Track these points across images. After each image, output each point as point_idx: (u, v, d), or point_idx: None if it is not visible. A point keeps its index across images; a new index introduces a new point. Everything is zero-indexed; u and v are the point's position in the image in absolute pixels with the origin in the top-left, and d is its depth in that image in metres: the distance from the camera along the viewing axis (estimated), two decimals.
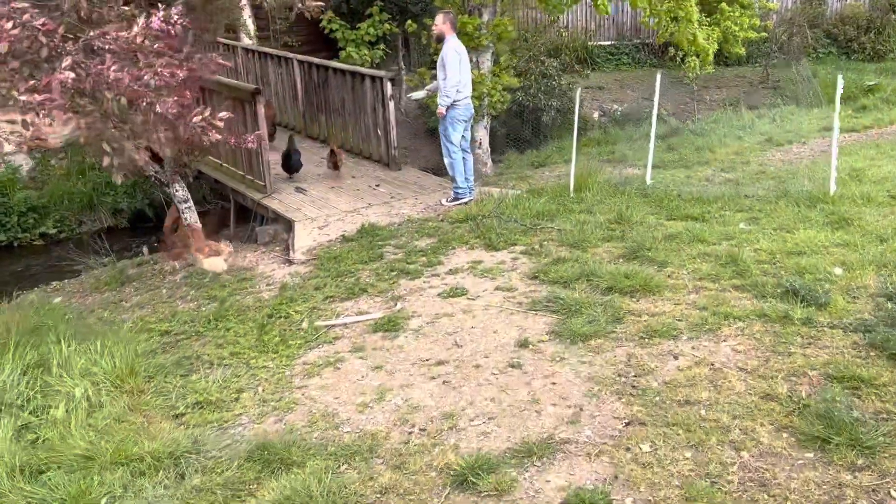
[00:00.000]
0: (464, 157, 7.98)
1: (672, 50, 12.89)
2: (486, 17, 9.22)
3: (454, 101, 7.52)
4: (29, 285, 9.57)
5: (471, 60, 9.10)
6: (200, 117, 4.74)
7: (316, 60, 10.67)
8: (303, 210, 7.96)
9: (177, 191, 6.68)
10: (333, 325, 4.96)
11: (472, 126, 8.91)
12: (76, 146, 12.89)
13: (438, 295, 5.33)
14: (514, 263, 5.90)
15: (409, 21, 11.65)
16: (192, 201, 6.80)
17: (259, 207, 8.39)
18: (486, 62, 9.43)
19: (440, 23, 7.57)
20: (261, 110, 8.32)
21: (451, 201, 8.01)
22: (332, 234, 7.16)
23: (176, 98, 4.43)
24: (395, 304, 5.18)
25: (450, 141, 7.74)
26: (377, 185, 8.85)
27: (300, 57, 11.00)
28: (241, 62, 12.64)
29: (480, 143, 9.53)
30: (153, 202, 12.60)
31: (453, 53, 7.37)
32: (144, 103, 4.33)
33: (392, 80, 9.21)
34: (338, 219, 7.64)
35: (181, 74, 4.34)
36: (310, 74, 10.75)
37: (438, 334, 4.64)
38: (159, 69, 4.21)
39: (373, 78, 9.40)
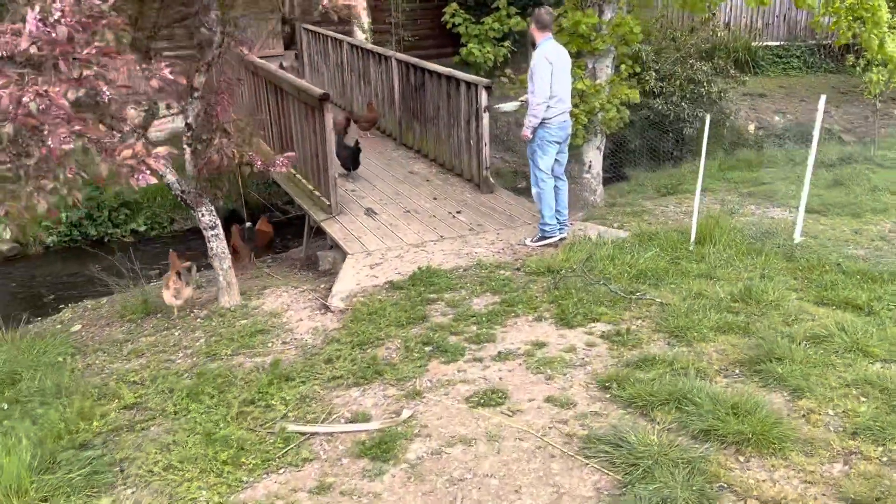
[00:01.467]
0: (556, 187, 6.48)
1: (851, 57, 10.50)
2: (607, 15, 7.58)
3: (544, 120, 6.08)
4: (90, 290, 9.15)
5: (584, 67, 7.53)
6: (131, 152, 3.60)
7: (413, 60, 9.45)
8: (363, 240, 6.77)
9: (203, 215, 5.69)
10: (314, 434, 3.69)
11: (579, 146, 7.38)
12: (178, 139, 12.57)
13: (467, 399, 3.91)
14: (587, 354, 4.36)
15: None
16: (220, 229, 5.79)
17: (322, 230, 7.30)
18: (604, 70, 7.78)
19: (531, 24, 6.11)
20: (328, 119, 7.22)
21: (535, 240, 6.52)
22: (381, 277, 5.92)
23: (77, 128, 3.30)
24: (402, 413, 3.82)
25: (538, 167, 6.28)
26: (458, 212, 7.50)
27: (399, 56, 9.83)
28: (346, 59, 11.69)
29: (590, 167, 7.92)
30: (249, 202, 12.04)
31: (543, 62, 5.93)
32: (40, 133, 3.24)
33: (488, 87, 7.81)
34: (397, 255, 6.38)
35: (70, 96, 3.20)
36: (407, 76, 9.56)
37: (438, 480, 3.23)
38: (43, 88, 3.11)
39: (468, 84, 8.05)
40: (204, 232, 5.78)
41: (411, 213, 7.47)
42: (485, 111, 7.84)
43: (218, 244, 5.78)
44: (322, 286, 6.19)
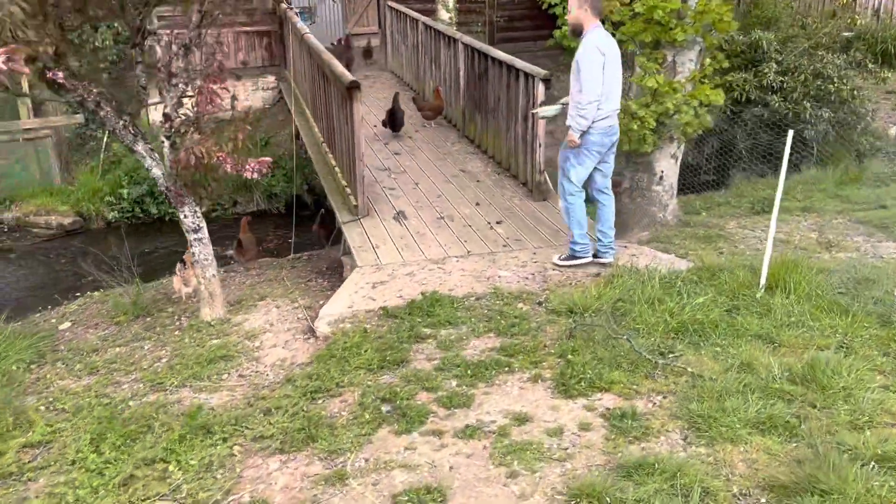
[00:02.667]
0: (600, 203, 5.51)
1: None
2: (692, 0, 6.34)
3: (592, 123, 5.09)
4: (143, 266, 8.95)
5: (661, 61, 6.36)
6: None
7: (477, 44, 8.52)
8: (380, 250, 6.01)
9: (185, 216, 5.09)
10: None
11: (647, 154, 6.28)
12: (254, 116, 12.23)
13: (394, 498, 3.06)
14: (575, 442, 3.40)
15: None
16: (205, 232, 5.18)
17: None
18: (686, 65, 6.55)
19: (575, 6, 5.03)
20: (357, 109, 6.49)
21: (564, 259, 5.59)
22: (379, 300, 5.13)
23: None
24: None
25: (568, 177, 5.34)
26: (498, 222, 6.57)
27: (465, 39, 8.91)
28: (421, 40, 10.88)
29: (661, 178, 6.74)
30: (313, 188, 11.57)
31: (594, 53, 4.95)
32: None
33: (547, 80, 6.78)
34: (409, 272, 5.56)
35: None
36: (472, 62, 8.65)
37: None
38: None
39: (526, 75, 7.07)
40: (186, 235, 5.19)
41: (445, 221, 6.62)
42: (541, 106, 6.83)
43: (201, 249, 5.18)
44: (322, 302, 5.48)
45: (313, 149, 8.73)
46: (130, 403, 4.07)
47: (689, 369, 3.91)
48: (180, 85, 4.76)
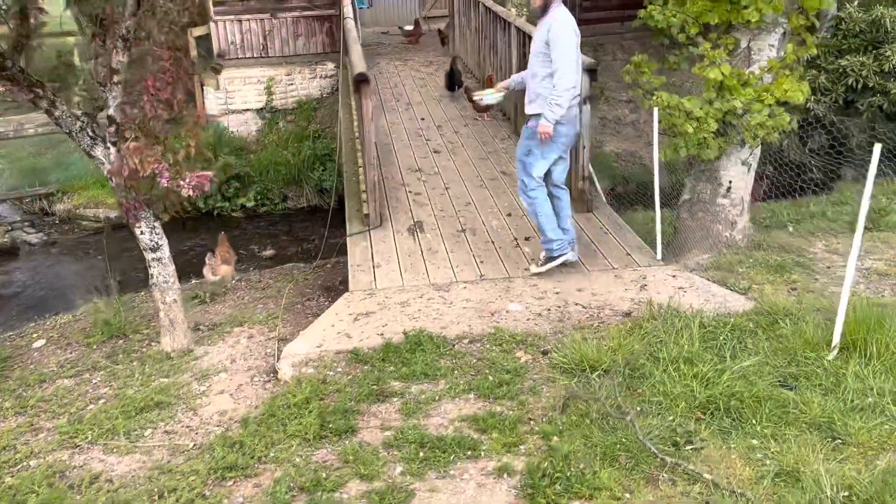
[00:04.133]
0: (557, 198, 5.05)
1: None
2: None
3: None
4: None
5: (734, 47, 5.21)
6: None
7: (529, 28, 7.48)
8: (380, 270, 5.21)
9: (142, 233, 4.45)
10: None
11: (711, 160, 5.23)
12: (308, 107, 11.73)
13: None
14: None
15: None
16: (165, 251, 4.52)
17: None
18: (766, 52, 5.31)
19: None
20: (367, 105, 5.68)
21: (542, 264, 5.04)
22: (356, 338, 4.33)
23: None
24: None
25: (529, 172, 4.89)
26: (526, 239, 5.63)
27: (518, 23, 7.90)
28: (482, 23, 9.91)
29: (729, 190, 5.54)
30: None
31: (569, 34, 4.55)
32: None
33: (592, 71, 5.73)
34: (402, 302, 4.73)
35: None
36: (525, 49, 7.62)
37: None
38: None
39: None
40: (144, 254, 4.56)
41: (465, 235, 5.73)
42: (585, 102, 5.79)
43: (160, 271, 4.53)
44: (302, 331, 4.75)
45: (348, 144, 8.01)
46: (31, 463, 3.48)
47: (707, 475, 2.88)
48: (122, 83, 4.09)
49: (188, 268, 8.81)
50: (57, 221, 10.26)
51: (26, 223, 10.04)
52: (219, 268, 6.05)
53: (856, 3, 11.01)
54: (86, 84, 4.63)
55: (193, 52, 11.27)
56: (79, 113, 4.36)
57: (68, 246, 9.54)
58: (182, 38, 4.39)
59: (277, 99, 11.52)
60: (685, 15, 5.43)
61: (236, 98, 11.40)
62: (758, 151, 5.57)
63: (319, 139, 11.05)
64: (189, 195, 4.09)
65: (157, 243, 4.51)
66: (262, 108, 11.55)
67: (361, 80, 5.56)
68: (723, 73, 4.99)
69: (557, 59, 4.53)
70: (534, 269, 5.06)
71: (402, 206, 6.31)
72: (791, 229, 6.40)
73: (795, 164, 10.24)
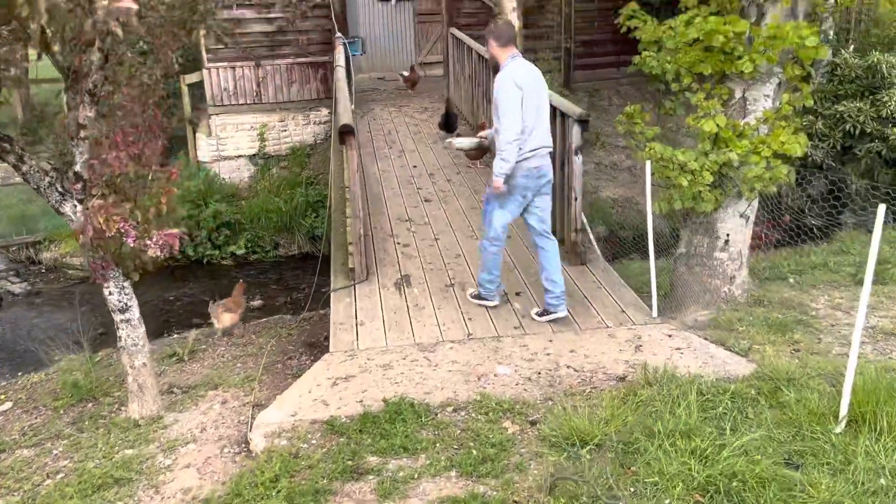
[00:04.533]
0: (541, 248, 4.98)
1: None
2: (767, 20, 4.98)
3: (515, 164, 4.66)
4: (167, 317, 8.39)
5: (728, 97, 5.07)
6: None
7: None
8: (363, 328, 4.98)
9: (110, 293, 4.24)
10: None
11: (707, 213, 5.05)
12: (302, 153, 11.62)
13: None
14: None
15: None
16: (135, 311, 4.30)
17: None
18: (761, 102, 5.17)
19: (488, 41, 4.71)
20: (352, 157, 5.52)
21: (473, 296, 5.28)
22: (333, 405, 4.08)
23: None
24: None
25: (490, 223, 4.93)
26: (517, 294, 5.41)
27: None
28: (475, 70, 9.85)
29: (727, 243, 5.34)
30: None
31: (510, 87, 4.50)
32: None
33: (583, 121, 5.58)
34: (384, 364, 4.49)
35: None
36: None
37: None
38: None
39: (562, 114, 5.89)
40: (112, 315, 4.34)
41: (454, 290, 5.51)
42: (576, 153, 5.64)
43: (129, 333, 4.31)
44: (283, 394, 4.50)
45: (337, 193, 7.85)
46: None
47: None
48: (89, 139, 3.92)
49: (173, 318, 8.63)
50: (43, 270, 10.06)
51: (11, 272, 9.83)
52: (222, 316, 6.03)
53: (851, 48, 10.97)
54: (58, 137, 4.47)
55: (185, 99, 11.22)
56: (47, 168, 4.19)
57: (53, 296, 9.32)
58: (156, 91, 4.23)
59: (270, 145, 11.43)
60: (678, 65, 5.30)
61: (229, 144, 11.30)
62: (755, 203, 5.39)
63: (312, 186, 10.91)
64: (156, 256, 3.89)
65: (125, 304, 4.30)
66: (254, 155, 11.44)
67: (345, 132, 5.40)
68: (717, 125, 4.83)
69: (500, 113, 4.54)
70: (469, 292, 5.30)
71: (390, 259, 6.11)
72: (792, 281, 6.19)
73: (794, 210, 10.09)
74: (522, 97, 4.48)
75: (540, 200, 4.85)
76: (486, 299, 5.19)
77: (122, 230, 3.73)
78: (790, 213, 9.71)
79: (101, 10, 2.34)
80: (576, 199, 5.75)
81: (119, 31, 2.42)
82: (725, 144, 4.97)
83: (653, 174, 5.09)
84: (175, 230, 3.92)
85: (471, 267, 5.87)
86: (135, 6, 2.34)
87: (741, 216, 5.33)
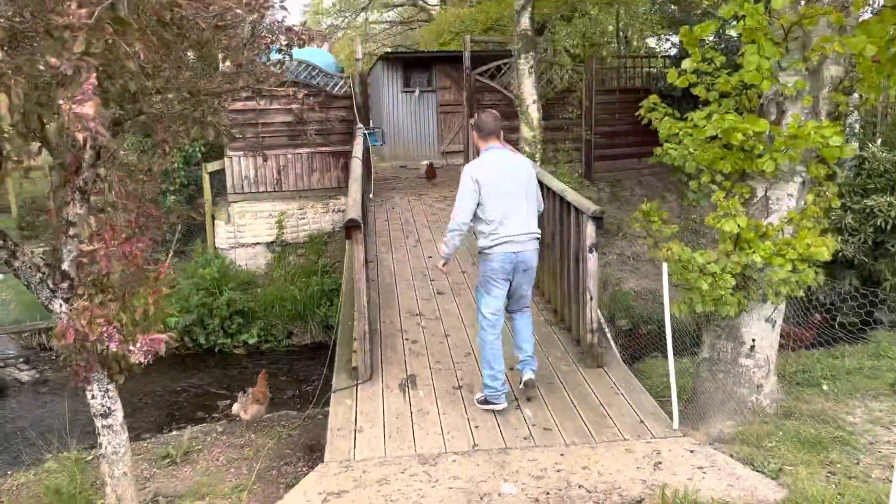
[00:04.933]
0: (515, 318, 5.09)
1: None
2: (788, 118, 4.81)
3: (483, 251, 4.81)
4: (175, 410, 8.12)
5: (750, 196, 4.86)
6: None
7: (535, 169, 7.26)
8: (361, 436, 4.68)
9: (93, 396, 4.02)
10: None
11: (731, 317, 4.75)
12: (319, 241, 11.56)
13: None
14: None
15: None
16: (118, 416, 4.07)
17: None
18: (784, 201, 4.94)
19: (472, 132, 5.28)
20: (357, 252, 5.35)
21: (480, 400, 5.01)
22: None
23: None
24: None
25: (480, 309, 4.97)
26: (528, 399, 5.09)
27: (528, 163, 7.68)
28: None
29: (752, 349, 5.01)
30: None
31: (466, 181, 4.71)
32: None
33: (597, 218, 5.39)
34: (380, 479, 4.16)
35: None
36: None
37: None
38: None
39: (577, 210, 5.71)
40: (94, 420, 4.10)
41: (461, 393, 5.21)
42: (591, 251, 5.41)
43: (111, 440, 4.06)
44: None
45: (348, 285, 7.67)
46: None
47: None
48: (77, 238, 3.79)
49: (177, 411, 8.37)
50: (53, 357, 9.92)
51: (21, 359, 9.71)
52: (251, 407, 6.01)
53: (879, 141, 10.79)
54: (54, 231, 4.37)
55: (206, 186, 11.32)
56: (40, 263, 4.06)
57: (60, 384, 9.13)
58: (152, 187, 4.13)
59: (288, 233, 11.40)
60: (696, 162, 5.12)
61: (246, 232, 11.30)
62: (782, 306, 5.07)
63: (328, 274, 10.79)
64: (139, 362, 3.68)
65: (108, 408, 4.06)
66: (272, 242, 11.41)
67: (351, 227, 5.25)
68: (739, 226, 4.59)
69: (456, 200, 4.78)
70: (476, 396, 5.06)
71: (397, 357, 5.85)
72: (826, 388, 5.80)
73: (825, 306, 9.69)
74: (480, 190, 4.64)
75: (520, 287, 4.93)
76: (493, 402, 4.91)
77: (106, 334, 3.53)
78: (820, 310, 9.31)
79: (66, 114, 2.21)
80: (591, 298, 5.49)
81: (87, 136, 2.28)
82: (748, 245, 4.71)
83: (671, 275, 4.83)
84: (162, 335, 3.71)
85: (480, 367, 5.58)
86: (91, 111, 2.21)
87: (767, 321, 5.01)
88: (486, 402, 4.95)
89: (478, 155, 4.94)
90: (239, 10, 3.84)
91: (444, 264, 5.03)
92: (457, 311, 6.83)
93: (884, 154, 10.38)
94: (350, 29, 27.54)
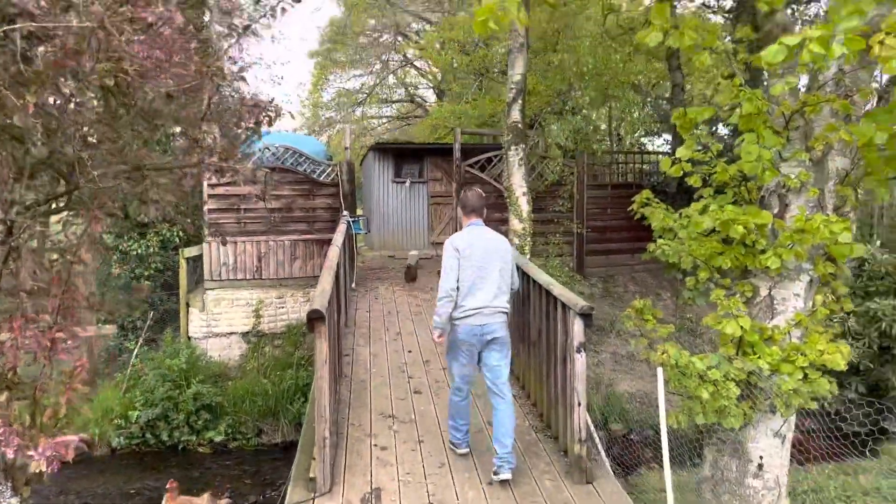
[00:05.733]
0: (494, 406, 5.01)
1: None
2: (792, 211, 4.43)
3: (452, 320, 4.95)
4: None
5: (754, 294, 4.42)
6: None
7: (521, 261, 6.85)
8: None
9: None
10: None
11: (735, 429, 4.21)
12: (297, 332, 11.02)
13: None
14: None
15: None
16: None
17: None
18: (791, 301, 4.49)
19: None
20: (321, 347, 4.84)
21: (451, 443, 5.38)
22: None
23: None
24: None
25: (451, 372, 5.25)
26: (501, 483, 4.46)
27: (514, 254, 7.28)
28: None
29: (761, 467, 4.44)
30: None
31: (448, 250, 4.97)
32: None
33: (586, 315, 4.92)
34: None
35: None
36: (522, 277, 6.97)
37: None
38: None
39: (564, 306, 5.25)
40: None
41: None
42: (579, 350, 4.92)
43: None
44: None
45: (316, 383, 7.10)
46: None
47: None
48: None
49: None
50: None
51: None
52: None
53: (878, 243, 10.48)
54: None
55: (183, 273, 10.87)
56: None
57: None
58: (80, 270, 3.67)
59: (265, 322, 10.88)
60: (693, 255, 4.71)
61: (221, 320, 10.77)
62: (793, 419, 4.54)
63: (304, 367, 10.21)
64: (41, 470, 3.11)
65: None
66: (247, 332, 10.87)
67: (315, 318, 4.77)
68: (742, 327, 4.12)
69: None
70: (450, 439, 5.38)
71: (362, 465, 5.23)
72: None
73: (831, 415, 9.11)
74: (460, 259, 4.83)
75: (489, 357, 4.99)
76: (455, 445, 5.32)
77: (2, 437, 2.98)
78: (827, 419, 8.74)
79: None
80: (579, 403, 4.95)
81: None
82: (752, 349, 4.23)
83: (667, 381, 4.32)
84: (71, 437, 3.16)
85: (455, 482, 4.97)
86: None
87: (776, 435, 4.47)
88: (452, 443, 5.35)
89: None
90: (191, 78, 3.50)
91: (438, 335, 5.01)
92: (434, 413, 6.25)
93: (884, 256, 10.06)
94: (347, 123, 27.89)
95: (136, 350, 10.27)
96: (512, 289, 5.10)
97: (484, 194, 5.23)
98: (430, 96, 29.89)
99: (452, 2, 22.76)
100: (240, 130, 4.51)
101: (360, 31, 25.89)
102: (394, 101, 31.04)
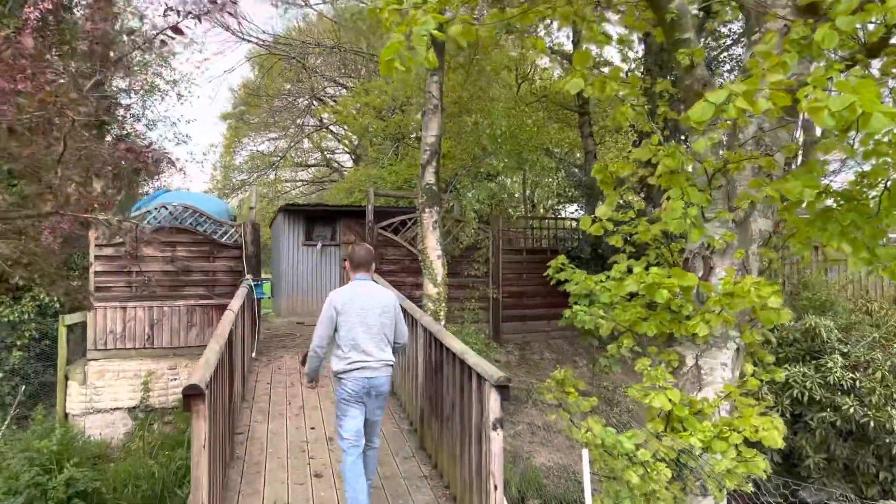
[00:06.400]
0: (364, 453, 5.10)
1: None
2: (718, 273, 4.17)
3: (338, 374, 4.94)
4: None
5: (680, 364, 4.07)
6: None
7: (434, 328, 6.39)
8: None
9: None
10: None
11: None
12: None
13: None
14: None
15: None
16: None
17: None
18: (718, 371, 4.19)
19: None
20: (200, 430, 4.17)
21: None
22: None
23: None
24: None
25: (339, 434, 5.05)
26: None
27: (425, 320, 6.82)
28: None
29: None
30: None
31: (326, 306, 4.98)
32: None
33: (503, 388, 4.47)
34: None
35: None
36: (429, 348, 6.50)
37: None
38: None
39: (479, 377, 4.79)
40: None
41: None
42: (495, 427, 4.44)
43: None
44: None
45: (193, 472, 6.29)
46: None
47: None
48: None
49: None
50: None
51: None
52: None
53: (790, 317, 10.62)
54: None
55: (62, 342, 9.83)
56: None
57: None
58: None
59: (155, 396, 9.91)
60: (614, 321, 4.37)
61: (105, 394, 9.74)
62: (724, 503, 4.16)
63: None
64: None
65: None
66: (134, 407, 9.86)
67: (191, 395, 4.11)
68: (671, 401, 3.75)
69: None
70: None
71: None
72: None
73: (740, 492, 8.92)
74: (337, 316, 4.88)
75: (371, 412, 5.04)
76: None
77: None
78: (739, 494, 8.52)
79: None
80: (496, 487, 4.43)
81: None
82: (681, 424, 3.86)
83: (592, 462, 3.89)
84: None
85: None
86: None
87: None
88: None
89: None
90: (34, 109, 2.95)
91: (309, 382, 5.19)
92: (335, 499, 5.58)
93: (792, 323, 10.16)
94: (261, 186, 27.12)
95: (1, 430, 9.10)
96: (398, 342, 5.14)
97: (373, 249, 5.19)
98: (347, 161, 29.62)
99: (368, 68, 22.76)
100: (115, 182, 3.96)
101: (276, 94, 25.50)
102: (310, 165, 30.59)
